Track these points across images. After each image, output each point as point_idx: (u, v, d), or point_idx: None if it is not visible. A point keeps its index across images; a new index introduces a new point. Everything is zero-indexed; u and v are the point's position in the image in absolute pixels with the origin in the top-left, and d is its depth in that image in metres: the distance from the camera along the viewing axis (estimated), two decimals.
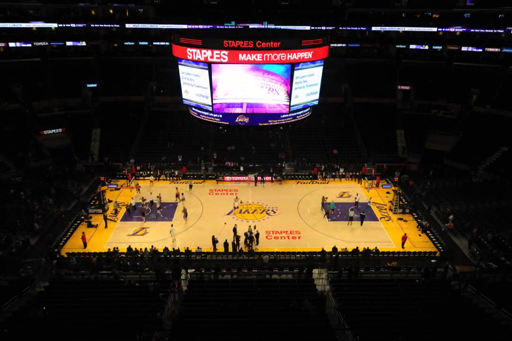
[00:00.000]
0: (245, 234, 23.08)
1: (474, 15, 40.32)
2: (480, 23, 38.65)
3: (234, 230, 23.36)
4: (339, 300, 16.73)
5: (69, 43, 41.04)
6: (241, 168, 33.12)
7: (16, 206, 26.08)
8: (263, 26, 38.65)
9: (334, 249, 21.73)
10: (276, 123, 23.50)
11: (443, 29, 40.04)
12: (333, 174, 32.98)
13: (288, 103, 22.08)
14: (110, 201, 28.29)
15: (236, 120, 22.74)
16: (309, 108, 24.63)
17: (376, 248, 21.90)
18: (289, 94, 21.90)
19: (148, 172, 32.88)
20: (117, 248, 21.69)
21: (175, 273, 18.90)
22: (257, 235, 23.31)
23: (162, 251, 21.74)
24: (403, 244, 23.03)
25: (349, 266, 19.53)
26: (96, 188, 29.99)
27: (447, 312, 15.24)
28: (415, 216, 26.69)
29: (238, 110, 22.13)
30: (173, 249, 22.37)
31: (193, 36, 21.74)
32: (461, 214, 26.07)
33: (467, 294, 17.69)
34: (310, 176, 32.95)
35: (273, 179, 32.08)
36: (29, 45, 39.00)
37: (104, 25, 41.17)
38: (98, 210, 26.65)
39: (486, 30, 38.34)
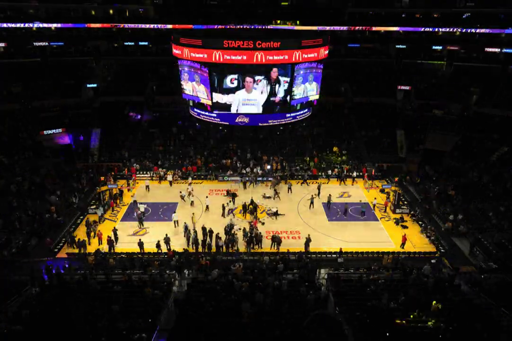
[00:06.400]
0: (245, 234, 23.04)
1: (474, 15, 40.29)
2: (480, 23, 38.61)
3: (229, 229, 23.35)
4: (339, 300, 16.74)
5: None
6: (267, 167, 33.03)
7: (16, 205, 26.08)
8: (263, 26, 38.66)
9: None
10: (276, 123, 23.56)
11: (443, 29, 40.03)
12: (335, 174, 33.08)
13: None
14: (110, 201, 28.34)
15: (236, 120, 22.78)
16: (309, 109, 24.66)
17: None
18: (289, 94, 21.95)
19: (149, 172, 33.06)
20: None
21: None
22: (260, 238, 23.14)
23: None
24: (403, 244, 22.93)
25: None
26: (96, 188, 30.02)
27: (449, 313, 15.24)
28: (414, 216, 26.69)
29: None
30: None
31: (193, 36, 21.83)
32: (460, 213, 26.07)
33: (468, 294, 17.70)
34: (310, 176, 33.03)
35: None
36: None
37: (104, 25, 41.12)
38: (98, 210, 26.67)
39: (486, 30, 38.31)
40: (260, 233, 23.12)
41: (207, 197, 27.64)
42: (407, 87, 39.24)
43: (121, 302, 15.93)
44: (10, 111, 35.31)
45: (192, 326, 14.39)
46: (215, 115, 23.05)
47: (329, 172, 33.26)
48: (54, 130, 34.30)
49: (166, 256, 21.42)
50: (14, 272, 19.04)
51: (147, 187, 30.35)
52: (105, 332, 13.72)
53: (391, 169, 33.91)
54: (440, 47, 42.14)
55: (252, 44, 19.93)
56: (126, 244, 23.07)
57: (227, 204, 27.15)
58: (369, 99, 40.75)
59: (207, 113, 23.31)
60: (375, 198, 28.55)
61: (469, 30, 38.95)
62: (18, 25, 38.23)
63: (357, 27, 41.21)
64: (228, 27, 38.06)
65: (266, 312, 15.27)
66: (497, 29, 38.04)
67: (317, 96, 24.20)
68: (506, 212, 25.32)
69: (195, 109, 24.27)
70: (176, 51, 22.69)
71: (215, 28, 38.77)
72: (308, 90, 23.10)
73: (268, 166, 33.20)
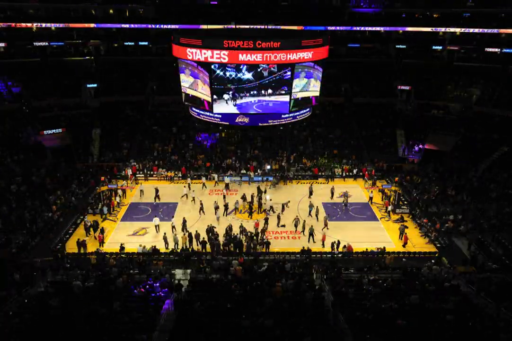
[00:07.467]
0: (246, 234, 23.14)
1: (474, 15, 40.30)
2: (480, 23, 38.62)
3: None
4: (338, 299, 16.72)
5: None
6: (267, 167, 33.10)
7: (16, 205, 26.09)
8: (263, 26, 38.61)
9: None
10: (276, 123, 23.55)
11: (443, 29, 40.04)
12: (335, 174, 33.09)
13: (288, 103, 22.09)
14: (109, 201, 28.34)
15: (236, 120, 22.74)
16: (309, 109, 24.63)
17: None
18: (289, 94, 21.91)
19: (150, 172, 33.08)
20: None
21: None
22: (257, 235, 23.34)
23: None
24: (405, 244, 22.96)
25: None
26: (96, 188, 30.01)
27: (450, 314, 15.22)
28: (413, 216, 26.68)
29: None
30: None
31: (193, 36, 21.72)
32: (460, 213, 26.07)
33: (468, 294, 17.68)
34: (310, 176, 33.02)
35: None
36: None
37: (104, 25, 41.14)
38: (101, 210, 26.64)
39: (486, 30, 38.30)
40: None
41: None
42: (407, 87, 39.24)
43: (121, 302, 15.93)
44: (10, 111, 35.32)
45: (192, 326, 14.39)
46: (214, 115, 23.01)
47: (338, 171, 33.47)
48: (54, 130, 34.32)
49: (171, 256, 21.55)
50: (14, 272, 19.00)
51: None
52: (105, 332, 13.71)
53: (391, 170, 33.91)
54: (440, 47, 42.14)
55: (252, 44, 19.87)
56: (127, 244, 23.04)
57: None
58: (369, 99, 40.78)
59: (207, 113, 23.26)
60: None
61: (469, 30, 38.94)
62: (18, 25, 38.22)
63: (357, 27, 41.24)
64: (228, 27, 37.98)
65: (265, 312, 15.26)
66: (497, 29, 38.02)
67: (317, 93, 24.07)
68: (506, 212, 25.32)
69: (195, 109, 24.23)
70: (176, 51, 22.66)
71: (215, 28, 38.71)
72: (308, 89, 23.06)
73: (268, 166, 33.20)
